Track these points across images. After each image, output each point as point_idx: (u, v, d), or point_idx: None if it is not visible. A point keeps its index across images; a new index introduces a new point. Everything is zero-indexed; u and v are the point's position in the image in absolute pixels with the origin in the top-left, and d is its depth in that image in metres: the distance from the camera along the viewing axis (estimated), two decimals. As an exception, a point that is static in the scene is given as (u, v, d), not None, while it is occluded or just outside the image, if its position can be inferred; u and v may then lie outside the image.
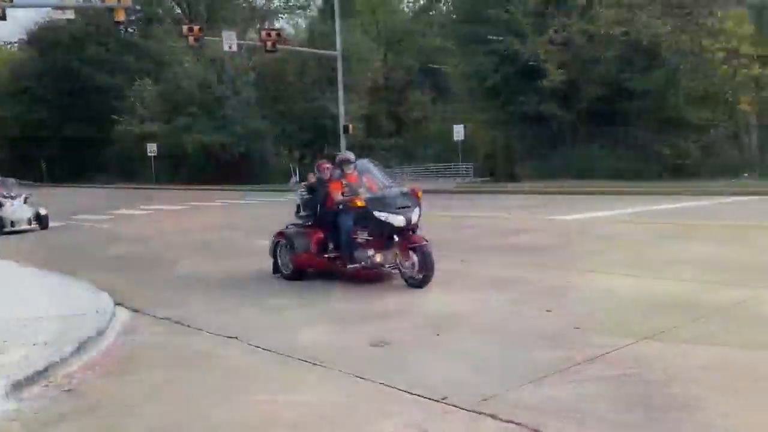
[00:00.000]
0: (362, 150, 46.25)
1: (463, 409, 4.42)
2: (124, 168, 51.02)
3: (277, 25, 52.63)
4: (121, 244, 14.83)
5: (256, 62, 46.57)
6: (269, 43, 35.16)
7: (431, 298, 7.82)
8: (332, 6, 41.25)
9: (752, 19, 23.47)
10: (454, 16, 38.02)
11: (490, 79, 29.92)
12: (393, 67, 53.96)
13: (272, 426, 4.40)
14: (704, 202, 18.28)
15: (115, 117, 47.07)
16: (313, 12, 53.86)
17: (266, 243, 9.97)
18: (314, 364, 5.52)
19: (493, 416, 4.28)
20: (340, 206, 8.82)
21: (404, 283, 8.40)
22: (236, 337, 6.46)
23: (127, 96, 46.96)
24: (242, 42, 39.34)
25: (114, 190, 43.36)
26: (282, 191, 33.40)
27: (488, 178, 33.76)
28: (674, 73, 25.25)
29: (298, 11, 55.98)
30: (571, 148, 29.52)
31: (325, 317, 7.23)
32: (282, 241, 9.61)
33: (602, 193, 22.63)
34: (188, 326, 7.05)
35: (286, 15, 56.72)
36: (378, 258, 8.44)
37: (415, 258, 8.22)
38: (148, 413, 4.74)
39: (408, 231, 8.36)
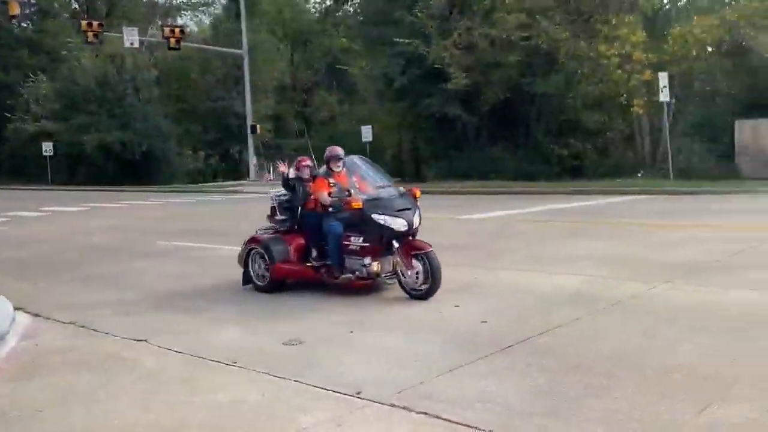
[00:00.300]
0: (269, 150, 45.98)
1: (377, 402, 4.53)
2: (16, 168, 48.50)
3: (179, 21, 51.56)
4: (19, 246, 14.17)
5: (157, 59, 45.36)
6: (172, 40, 34.42)
7: (344, 297, 7.87)
8: (237, 4, 40.81)
9: (644, 27, 24.74)
10: (361, 18, 38.23)
11: (397, 81, 30.27)
12: (300, 67, 53.80)
13: (187, 427, 4.38)
14: (600, 201, 19.13)
15: (7, 115, 44.76)
16: (217, 9, 52.98)
17: (171, 244, 9.78)
18: (228, 364, 5.50)
19: (407, 408, 4.41)
20: (330, 208, 7.93)
21: (404, 294, 7.55)
22: (145, 340, 6.35)
23: (20, 93, 44.75)
24: (144, 39, 38.31)
25: (8, 191, 41.22)
26: (186, 192, 32.82)
27: (396, 179, 34.09)
28: (572, 77, 26.32)
29: (201, 8, 54.92)
30: (475, 149, 30.23)
31: (237, 318, 7.19)
32: (256, 248, 8.44)
33: (505, 193, 23.32)
34: (94, 330, 6.86)
35: (189, 12, 55.57)
36: (375, 267, 7.53)
37: (419, 266, 7.42)
38: (57, 418, 4.61)
39: (407, 236, 7.61)
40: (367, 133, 33.12)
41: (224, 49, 41.41)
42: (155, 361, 5.80)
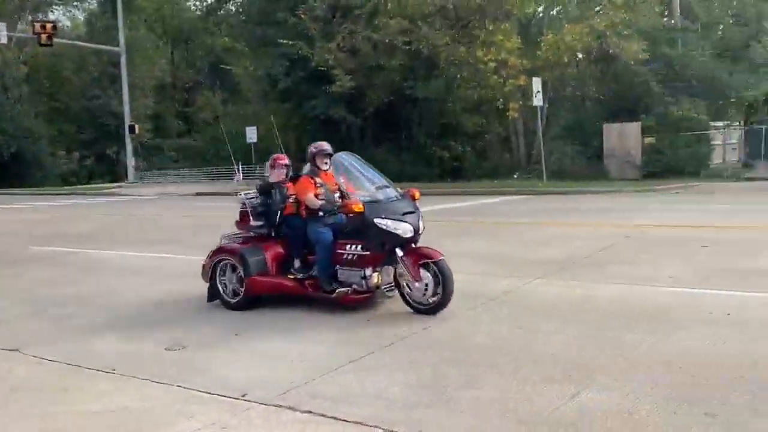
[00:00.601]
0: (149, 151, 44.58)
1: (262, 404, 4.56)
2: None
3: (52, 16, 49.06)
4: None
5: (27, 56, 43.01)
6: (43, 36, 32.79)
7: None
8: (113, -1, 39.37)
9: (519, 34, 25.82)
10: (244, 17, 37.72)
11: (282, 82, 30.14)
12: (181, 65, 52.47)
13: (65, 437, 4.26)
14: (479, 201, 19.82)
15: None
16: (92, 5, 50.79)
17: (45, 249, 9.33)
18: (107, 372, 5.36)
19: (292, 408, 4.47)
20: (321, 213, 7.03)
21: (408, 309, 6.78)
22: (18, 350, 6.07)
23: None
24: (12, 34, 36.25)
25: None
26: (59, 194, 31.31)
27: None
28: (452, 82, 27.10)
29: (74, 3, 52.47)
30: (359, 151, 30.50)
31: (115, 324, 6.97)
32: (227, 259, 7.39)
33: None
34: (-41, 342, 6.50)
35: (61, 6, 52.91)
36: (375, 278, 6.73)
37: (428, 277, 6.60)
38: None
39: (410, 242, 6.82)
40: (251, 134, 32.76)
41: (100, 46, 39.85)
42: (29, 371, 5.56)
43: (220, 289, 7.46)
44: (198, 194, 29.90)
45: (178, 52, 52.89)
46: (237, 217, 7.81)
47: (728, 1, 39.51)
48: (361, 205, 6.59)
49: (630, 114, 25.72)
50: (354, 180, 7.13)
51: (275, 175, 7.67)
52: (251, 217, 7.57)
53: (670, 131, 24.23)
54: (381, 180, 7.19)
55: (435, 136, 29.90)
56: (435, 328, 6.25)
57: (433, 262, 6.57)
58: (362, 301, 6.94)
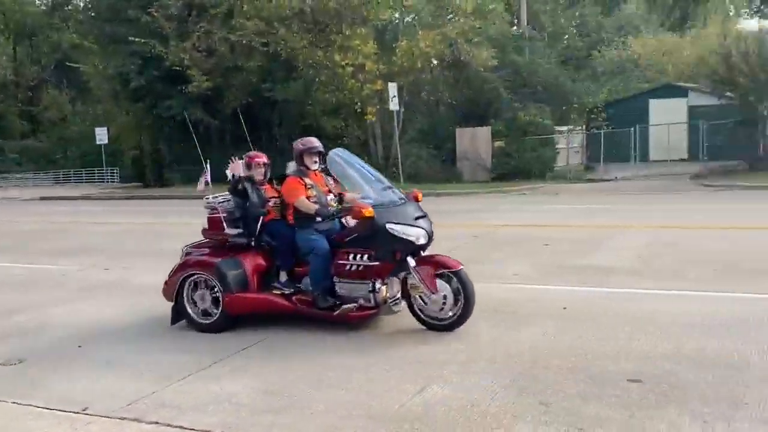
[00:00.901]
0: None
1: (105, 417, 4.45)
2: None
3: None
4: None
5: None
6: None
7: (75, 310, 7.50)
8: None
9: (375, 39, 26.27)
10: (92, 14, 35.92)
11: (134, 81, 29.00)
12: (24, 62, 49.31)
13: None
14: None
15: None
16: None
17: None
18: (-66, 392, 5.04)
19: (137, 420, 4.39)
20: (318, 218, 6.25)
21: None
22: None
23: None
24: None
25: None
26: None
27: (137, 184, 32.77)
28: (310, 84, 27.18)
29: None
30: (217, 153, 30.04)
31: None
32: (198, 274, 6.47)
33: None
34: None
35: None
36: (384, 292, 6.00)
37: (446, 289, 5.93)
38: None
39: (420, 250, 6.11)
40: (102, 134, 31.38)
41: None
42: None
43: (189, 309, 6.50)
44: (43, 198, 28.35)
45: (21, 49, 49.65)
46: (205, 224, 6.78)
47: (572, 12, 42.12)
48: (370, 209, 5.85)
49: (481, 119, 26.80)
50: (351, 181, 6.34)
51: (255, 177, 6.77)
52: (225, 224, 6.58)
53: (518, 135, 25.45)
54: (384, 181, 6.47)
55: (296, 137, 29.84)
56: (284, 333, 6.27)
57: (452, 272, 5.90)
58: (367, 318, 6.19)
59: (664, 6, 42.66)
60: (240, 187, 6.60)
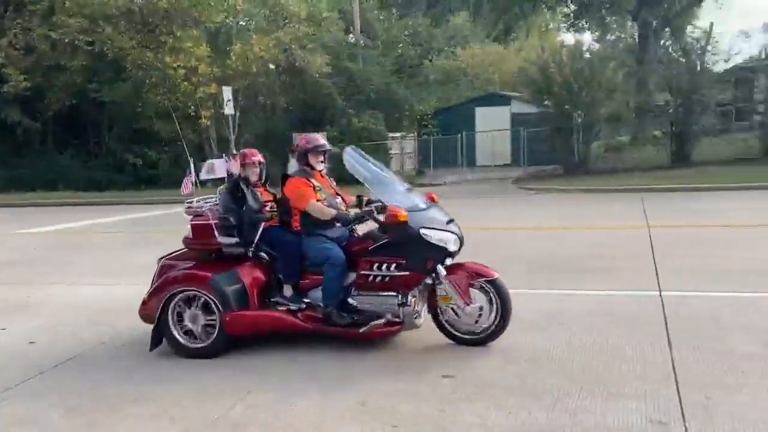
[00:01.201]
0: None
1: None
2: None
3: None
4: None
5: None
6: None
7: None
8: None
9: (208, 42, 25.82)
10: None
11: (-57, 80, 26.68)
12: None
13: None
14: (172, 210, 19.50)
15: None
16: None
17: None
18: None
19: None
20: (338, 223, 5.63)
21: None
22: None
23: None
24: None
25: None
26: None
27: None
28: (140, 86, 26.25)
29: None
30: (39, 157, 28.33)
31: None
32: (188, 290, 5.64)
33: (75, 204, 22.39)
34: None
35: None
36: (414, 305, 5.45)
37: (482, 299, 5.42)
38: None
39: (449, 258, 5.50)
40: None
41: None
42: None
43: (174, 332, 5.67)
44: None
45: None
46: (189, 233, 5.91)
47: (405, 22, 43.49)
48: (404, 213, 5.25)
49: (317, 124, 27.05)
50: (371, 183, 5.59)
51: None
52: (217, 232, 5.73)
53: (353, 141, 25.90)
54: (404, 182, 5.91)
55: (127, 141, 28.76)
56: (107, 345, 6.15)
57: (488, 281, 5.41)
58: (394, 335, 5.64)
59: (488, 19, 45.33)
60: (239, 188, 5.86)
